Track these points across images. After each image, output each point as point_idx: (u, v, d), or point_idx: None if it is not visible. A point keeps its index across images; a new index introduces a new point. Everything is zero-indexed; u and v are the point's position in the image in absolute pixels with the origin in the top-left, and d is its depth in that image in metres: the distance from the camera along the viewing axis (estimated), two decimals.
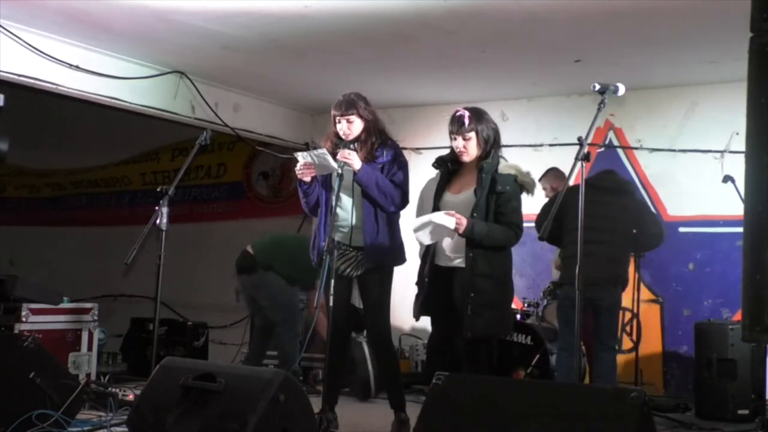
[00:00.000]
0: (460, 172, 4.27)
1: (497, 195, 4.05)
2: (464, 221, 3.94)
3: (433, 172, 4.53)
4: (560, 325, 5.13)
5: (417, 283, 4.35)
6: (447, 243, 4.14)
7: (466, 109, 4.17)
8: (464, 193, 4.16)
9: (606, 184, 5.14)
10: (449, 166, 4.28)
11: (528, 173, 4.17)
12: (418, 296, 4.29)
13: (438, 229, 4.02)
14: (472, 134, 4.10)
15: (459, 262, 4.09)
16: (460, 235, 3.97)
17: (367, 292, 4.47)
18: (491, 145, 4.14)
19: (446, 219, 3.98)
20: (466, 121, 4.09)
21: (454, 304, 4.13)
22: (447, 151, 4.37)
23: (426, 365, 4.48)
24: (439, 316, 4.27)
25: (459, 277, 4.07)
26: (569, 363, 4.85)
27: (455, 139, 4.15)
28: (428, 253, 4.25)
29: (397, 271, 4.58)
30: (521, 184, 4.12)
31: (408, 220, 4.63)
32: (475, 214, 4.01)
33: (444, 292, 4.15)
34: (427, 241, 4.12)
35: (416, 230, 4.07)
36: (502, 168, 4.11)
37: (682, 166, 6.48)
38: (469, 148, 4.12)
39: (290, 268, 5.95)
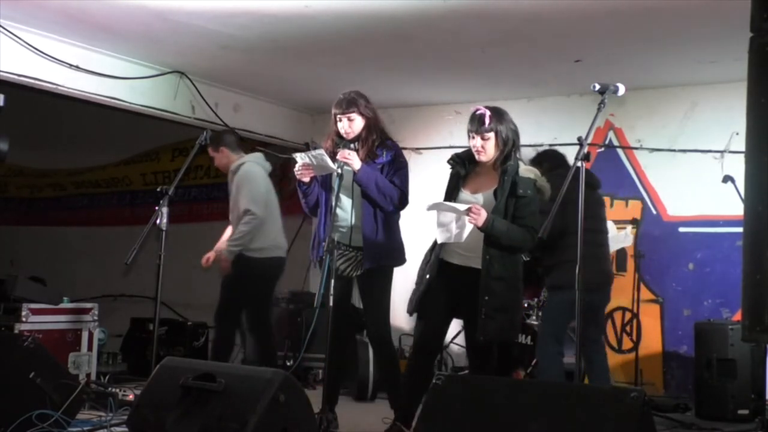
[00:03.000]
0: (477, 172, 4.16)
1: (517, 198, 3.97)
2: (483, 213, 3.86)
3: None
4: (559, 329, 5.01)
5: (416, 281, 4.26)
6: (462, 242, 4.02)
7: (487, 108, 4.07)
8: (482, 194, 4.06)
9: (593, 181, 5.10)
10: (466, 165, 4.17)
11: (545, 177, 4.14)
12: (416, 291, 4.18)
13: (445, 216, 3.94)
14: (492, 134, 4.01)
15: (472, 261, 4.00)
16: (479, 228, 3.88)
17: (366, 292, 4.47)
18: (510, 147, 4.05)
19: (458, 204, 3.93)
20: (487, 121, 4.00)
21: (456, 304, 4.08)
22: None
23: (410, 369, 4.23)
24: (436, 312, 4.12)
25: (472, 279, 3.96)
26: (562, 366, 4.87)
27: (473, 138, 4.05)
28: (433, 250, 4.16)
29: (397, 271, 4.57)
30: (538, 188, 4.07)
31: (409, 220, 4.63)
32: (494, 215, 3.93)
33: (448, 290, 4.06)
34: (439, 235, 4.05)
35: (429, 208, 3.99)
36: (522, 171, 4.04)
37: (682, 166, 6.48)
38: (488, 148, 4.04)
39: None
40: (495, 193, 4.01)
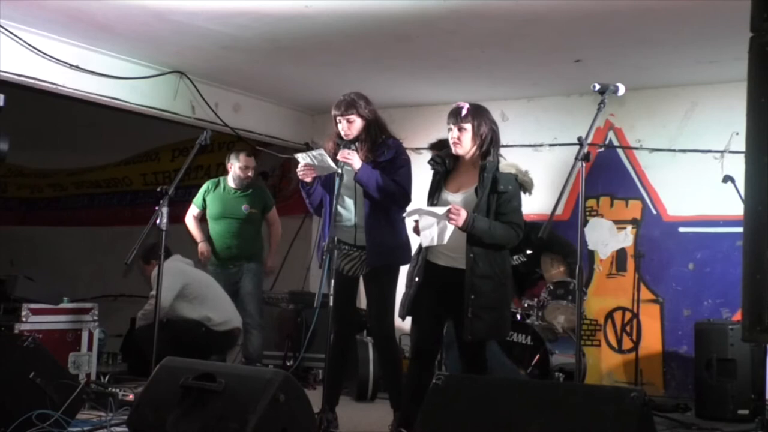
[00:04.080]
0: (458, 170, 4.16)
1: (498, 194, 3.96)
2: (463, 213, 3.84)
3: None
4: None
5: (406, 284, 4.21)
6: (445, 243, 4.02)
7: (467, 103, 4.09)
8: (464, 192, 4.06)
9: None
10: (446, 164, 4.18)
11: (527, 172, 4.12)
12: (406, 295, 4.15)
13: (427, 219, 3.93)
14: (468, 126, 4.02)
15: (458, 262, 3.98)
16: (460, 228, 3.87)
17: (371, 291, 4.46)
18: (488, 143, 4.04)
19: (437, 208, 3.92)
20: (463, 112, 4.02)
21: (446, 305, 4.05)
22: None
23: (410, 374, 4.18)
24: (428, 315, 4.10)
25: (458, 279, 3.95)
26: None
27: (451, 129, 4.07)
28: (420, 252, 4.14)
29: (403, 269, 4.55)
30: (521, 183, 4.06)
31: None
32: (475, 214, 3.92)
33: (437, 292, 4.05)
34: (422, 238, 4.04)
35: (407, 215, 4.02)
36: (503, 167, 4.03)
37: (682, 166, 6.48)
38: (464, 140, 4.03)
39: None
40: (476, 190, 4.00)
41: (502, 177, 3.99)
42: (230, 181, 6.30)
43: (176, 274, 5.76)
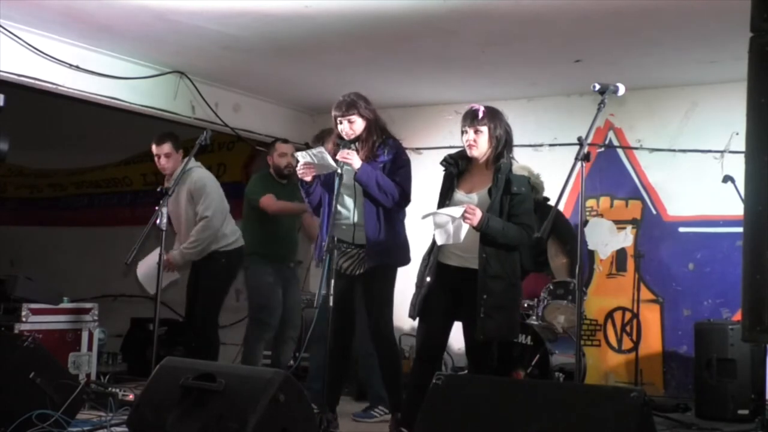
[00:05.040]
0: (470, 171, 4.18)
1: (512, 196, 3.99)
2: (478, 213, 3.87)
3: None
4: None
5: (417, 284, 4.25)
6: (460, 242, 4.01)
7: (482, 105, 4.12)
8: (477, 193, 4.08)
9: None
10: (459, 165, 4.19)
11: (539, 175, 4.15)
12: (416, 295, 4.18)
13: (442, 218, 3.94)
14: (485, 128, 4.04)
15: (469, 262, 4.00)
16: (474, 228, 3.89)
17: (368, 291, 4.46)
18: (503, 146, 4.08)
19: (453, 209, 3.94)
20: (480, 114, 4.05)
21: (456, 305, 4.07)
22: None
23: (413, 374, 4.17)
24: (437, 316, 4.12)
25: (470, 279, 3.97)
26: None
27: (466, 132, 4.08)
28: (431, 252, 4.16)
29: (400, 270, 4.55)
30: (532, 185, 4.09)
31: (410, 220, 4.62)
32: (489, 214, 3.94)
33: (448, 292, 4.07)
34: (437, 236, 4.04)
35: (424, 217, 4.01)
36: (515, 169, 4.07)
37: (682, 166, 6.48)
38: (480, 142, 4.06)
39: None
40: (489, 191, 4.02)
41: (515, 179, 4.03)
42: (273, 174, 5.90)
43: (219, 191, 5.53)
